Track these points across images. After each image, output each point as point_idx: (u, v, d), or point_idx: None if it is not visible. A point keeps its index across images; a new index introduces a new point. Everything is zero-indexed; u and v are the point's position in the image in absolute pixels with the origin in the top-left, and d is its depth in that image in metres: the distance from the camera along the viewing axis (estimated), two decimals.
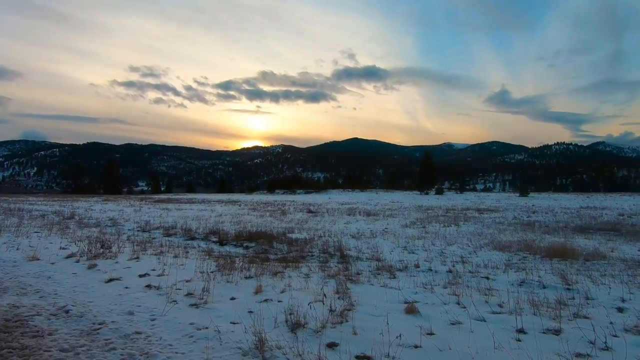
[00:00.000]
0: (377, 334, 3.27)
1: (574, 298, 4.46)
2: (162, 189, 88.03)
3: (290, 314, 3.62)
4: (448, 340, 3.16)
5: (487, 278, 5.51)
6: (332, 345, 3.06)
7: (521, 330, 3.40)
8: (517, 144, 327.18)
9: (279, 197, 44.94)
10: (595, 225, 13.10)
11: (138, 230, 11.06)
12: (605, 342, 3.08)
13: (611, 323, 3.54)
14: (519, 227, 12.48)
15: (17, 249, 7.17)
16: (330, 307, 3.91)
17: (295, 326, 3.43)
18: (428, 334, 3.32)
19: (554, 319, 3.69)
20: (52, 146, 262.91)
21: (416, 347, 3.05)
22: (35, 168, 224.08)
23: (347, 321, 3.61)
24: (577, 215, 17.58)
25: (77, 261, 6.27)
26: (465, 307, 4.08)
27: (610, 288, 4.93)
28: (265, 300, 4.28)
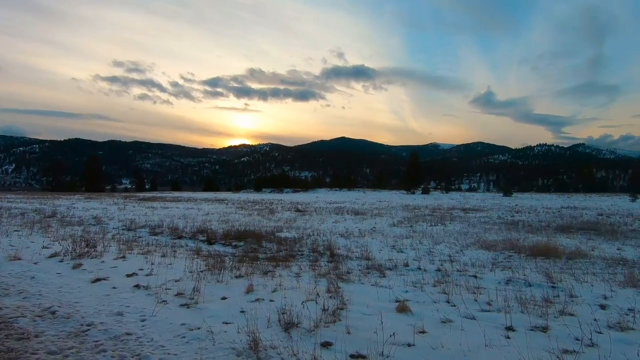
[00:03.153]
0: (371, 332, 3.29)
1: (558, 296, 4.59)
2: (147, 187, 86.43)
3: (283, 314, 3.61)
4: (440, 338, 3.21)
5: (475, 277, 5.61)
6: (326, 345, 3.07)
7: (510, 328, 3.48)
8: (501, 144, 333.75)
9: (266, 196, 44.71)
10: (576, 224, 13.49)
11: (123, 229, 10.84)
12: (591, 339, 3.18)
13: (595, 320, 3.65)
14: (503, 227, 12.75)
15: None
16: (323, 306, 3.92)
17: (288, 326, 3.43)
18: (420, 332, 3.36)
19: (541, 317, 3.79)
20: (31, 142, 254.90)
21: (409, 345, 3.08)
22: (14, 164, 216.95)
23: (340, 320, 3.62)
24: (558, 215, 18.06)
25: (61, 261, 6.11)
26: (455, 306, 4.14)
27: (592, 286, 5.09)
28: (257, 300, 4.26)
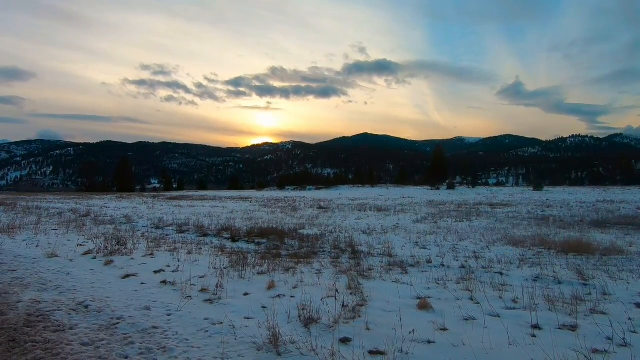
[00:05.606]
0: (390, 329, 3.28)
1: (590, 294, 4.39)
2: (174, 186, 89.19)
3: (303, 310, 3.65)
4: (462, 336, 3.15)
5: (501, 273, 5.46)
6: (345, 341, 3.08)
7: (536, 326, 3.37)
8: (531, 137, 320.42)
9: (289, 194, 45.12)
10: (612, 219, 12.82)
11: (152, 227, 11.25)
12: (624, 339, 3.03)
13: (630, 319, 3.48)
14: (533, 222, 12.30)
15: (37, 246, 7.38)
16: (343, 302, 3.93)
17: (308, 321, 3.46)
18: (441, 329, 3.32)
19: (570, 315, 3.65)
20: (67, 145, 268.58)
21: (429, 342, 3.05)
22: (51, 167, 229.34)
23: (359, 316, 3.62)
24: (593, 209, 17.23)
25: (94, 258, 6.43)
26: (478, 303, 4.05)
27: (628, 283, 4.83)
28: (278, 296, 4.32)
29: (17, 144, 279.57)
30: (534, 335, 3.19)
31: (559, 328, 3.34)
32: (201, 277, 5.16)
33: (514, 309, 3.89)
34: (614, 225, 11.42)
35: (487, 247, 7.83)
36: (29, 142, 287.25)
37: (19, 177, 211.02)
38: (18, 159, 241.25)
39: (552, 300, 4.04)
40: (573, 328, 3.33)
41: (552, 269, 5.68)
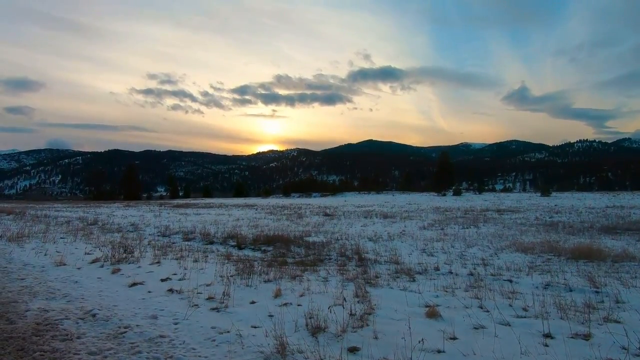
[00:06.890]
0: (399, 338, 3.23)
1: (603, 301, 4.31)
2: (180, 194, 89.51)
3: (310, 318, 3.62)
4: (472, 345, 3.10)
5: (510, 281, 5.38)
6: (353, 350, 3.04)
7: (548, 335, 3.30)
8: (538, 142, 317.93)
9: (294, 201, 45.10)
10: (623, 225, 12.61)
11: (158, 235, 11.30)
12: None
13: None
14: (541, 228, 12.14)
15: (45, 255, 7.43)
16: (350, 310, 3.90)
17: (315, 330, 3.43)
18: (451, 338, 3.27)
19: (582, 323, 3.57)
20: (75, 154, 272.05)
21: (439, 351, 3.00)
22: (60, 175, 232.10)
23: (367, 325, 3.58)
24: (603, 215, 16.97)
25: (102, 266, 6.46)
26: (488, 311, 3.99)
27: None
28: (285, 304, 4.29)
29: (27, 153, 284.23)
30: (546, 345, 3.13)
31: (572, 337, 3.27)
32: (208, 285, 5.15)
33: (524, 317, 3.83)
34: (624, 231, 11.23)
35: (496, 253, 7.73)
36: (38, 151, 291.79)
37: (28, 185, 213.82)
38: (27, 168, 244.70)
39: (564, 308, 3.97)
40: (586, 337, 3.26)
41: (563, 276, 5.59)
